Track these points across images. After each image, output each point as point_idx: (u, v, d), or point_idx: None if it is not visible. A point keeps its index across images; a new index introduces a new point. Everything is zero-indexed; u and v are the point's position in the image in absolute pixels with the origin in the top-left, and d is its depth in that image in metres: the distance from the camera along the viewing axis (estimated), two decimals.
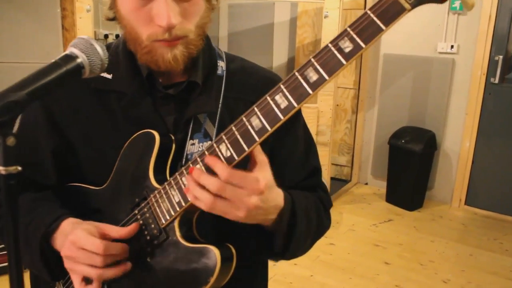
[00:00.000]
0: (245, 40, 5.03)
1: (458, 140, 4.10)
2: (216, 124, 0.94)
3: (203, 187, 0.76)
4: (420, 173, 4.07)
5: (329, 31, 3.51)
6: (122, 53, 0.94)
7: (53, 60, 0.66)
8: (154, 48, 0.84)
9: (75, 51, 0.68)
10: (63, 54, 0.67)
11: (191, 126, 0.93)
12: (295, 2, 4.56)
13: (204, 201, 0.76)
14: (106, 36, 4.31)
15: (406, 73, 4.23)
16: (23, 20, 3.78)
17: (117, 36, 4.40)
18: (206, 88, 0.94)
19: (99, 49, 0.70)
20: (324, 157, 3.74)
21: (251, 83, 1.00)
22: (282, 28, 4.89)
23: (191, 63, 0.93)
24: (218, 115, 0.95)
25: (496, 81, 3.85)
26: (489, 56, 3.84)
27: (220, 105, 0.95)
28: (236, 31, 5.04)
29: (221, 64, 0.99)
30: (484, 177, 4.04)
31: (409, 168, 4.04)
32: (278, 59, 4.97)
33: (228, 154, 0.77)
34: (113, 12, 0.91)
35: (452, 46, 3.97)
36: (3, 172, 0.58)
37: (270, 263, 1.12)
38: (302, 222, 0.90)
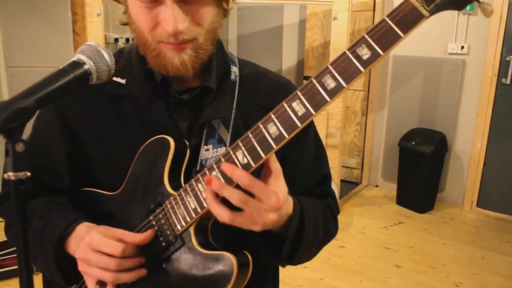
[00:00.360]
0: (254, 43, 5.04)
1: (469, 142, 4.07)
2: (230, 130, 0.94)
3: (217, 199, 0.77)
4: (431, 175, 4.05)
5: (338, 33, 3.51)
6: (135, 58, 0.94)
7: (61, 67, 0.67)
8: (162, 52, 0.83)
9: (83, 57, 0.69)
10: (70, 61, 0.68)
11: (205, 131, 0.93)
12: (304, 5, 4.56)
13: (223, 217, 0.76)
14: (116, 40, 4.35)
15: (416, 74, 4.21)
16: (34, 25, 3.84)
17: (127, 40, 4.43)
18: (220, 93, 0.94)
19: (106, 55, 0.71)
20: (334, 159, 3.73)
21: (264, 88, 1.00)
22: (291, 30, 4.89)
23: (204, 68, 0.93)
24: (232, 121, 0.94)
25: (508, 81, 3.82)
26: (500, 57, 3.81)
27: (233, 110, 0.95)
28: (245, 34, 5.06)
29: (234, 69, 0.99)
30: (496, 179, 4.00)
31: (419, 170, 4.02)
32: (287, 61, 4.97)
33: (245, 161, 0.77)
34: (127, 16, 0.92)
35: (462, 47, 3.94)
36: (13, 178, 0.59)
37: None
38: (310, 228, 0.90)
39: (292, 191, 0.85)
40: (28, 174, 0.60)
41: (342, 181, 4.39)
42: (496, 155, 3.97)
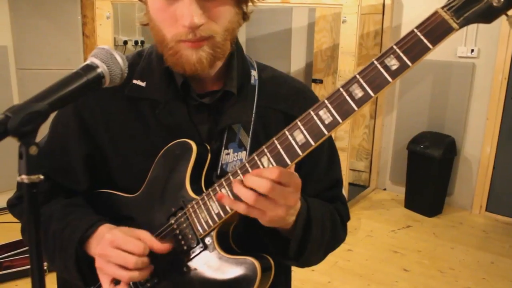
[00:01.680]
0: (263, 46, 5.04)
1: (479, 145, 4.04)
2: (250, 134, 0.94)
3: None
4: (439, 178, 4.02)
5: (347, 36, 3.50)
6: (156, 60, 0.94)
7: (74, 70, 0.67)
8: (179, 50, 0.83)
9: (96, 61, 0.69)
10: (83, 64, 0.69)
11: (225, 135, 0.94)
12: (313, 7, 4.55)
13: (248, 199, 0.75)
14: (125, 43, 4.37)
15: (425, 77, 4.19)
16: (45, 27, 3.86)
17: (136, 42, 4.45)
18: (241, 98, 0.95)
19: (119, 58, 0.71)
20: (342, 162, 3.69)
21: (282, 93, 1.01)
22: (300, 33, 4.89)
23: (224, 70, 0.94)
24: (252, 125, 0.95)
25: None
26: (510, 60, 3.77)
27: (253, 114, 0.96)
28: (254, 37, 5.06)
29: (254, 73, 0.99)
30: (506, 183, 3.96)
31: (428, 174, 3.99)
32: (296, 64, 4.97)
33: (270, 167, 0.77)
34: (147, 16, 0.92)
35: (472, 50, 3.92)
36: (26, 181, 0.59)
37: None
38: (317, 228, 0.90)
39: (303, 193, 0.85)
40: (42, 177, 0.61)
41: (350, 184, 4.38)
42: (506, 159, 3.94)
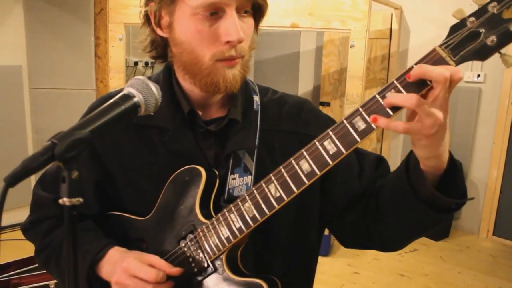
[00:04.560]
0: (271, 68, 5.11)
1: (486, 170, 4.05)
2: (255, 159, 0.97)
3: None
4: None
5: (355, 60, 3.55)
6: (163, 88, 0.96)
7: (112, 100, 0.71)
8: (215, 69, 0.87)
9: (132, 91, 0.73)
10: (121, 94, 0.73)
11: (231, 161, 0.96)
12: (321, 31, 4.63)
13: (410, 102, 0.70)
14: (135, 64, 4.44)
15: None
16: (59, 48, 3.94)
17: (146, 63, 4.52)
18: (245, 125, 0.98)
19: (154, 89, 0.75)
20: None
21: (284, 114, 1.03)
22: (308, 56, 4.96)
23: (228, 97, 0.98)
24: (256, 150, 0.98)
25: None
26: None
27: (257, 139, 0.99)
28: (263, 59, 5.13)
29: (256, 99, 1.03)
30: None
31: None
32: (303, 87, 5.03)
33: (277, 194, 0.81)
34: (157, 50, 0.96)
35: (478, 75, 3.97)
36: (68, 203, 0.63)
37: None
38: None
39: (351, 191, 0.94)
40: (81, 200, 0.64)
41: None
42: None
